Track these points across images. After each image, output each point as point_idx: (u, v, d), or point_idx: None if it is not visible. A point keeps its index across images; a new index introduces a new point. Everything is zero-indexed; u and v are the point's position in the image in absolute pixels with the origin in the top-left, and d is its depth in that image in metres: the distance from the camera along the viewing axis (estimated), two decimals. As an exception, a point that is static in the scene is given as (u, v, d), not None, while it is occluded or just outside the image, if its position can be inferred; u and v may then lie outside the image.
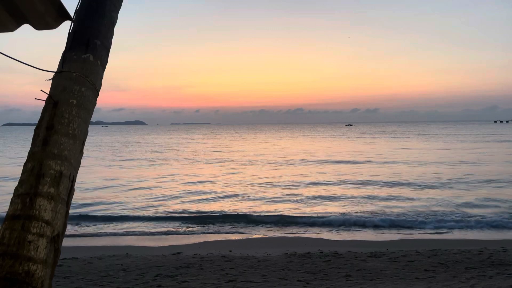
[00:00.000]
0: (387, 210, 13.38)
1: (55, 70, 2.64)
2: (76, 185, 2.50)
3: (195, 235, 10.96)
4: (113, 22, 2.89)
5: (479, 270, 6.55)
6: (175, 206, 14.60)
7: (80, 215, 12.78)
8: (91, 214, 13.23)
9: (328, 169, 24.64)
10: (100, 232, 11.32)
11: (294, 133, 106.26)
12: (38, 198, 2.25)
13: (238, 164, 28.51)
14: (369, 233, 10.96)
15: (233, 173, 23.44)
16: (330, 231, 11.18)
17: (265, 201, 15.31)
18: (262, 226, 11.70)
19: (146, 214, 13.22)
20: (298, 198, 15.67)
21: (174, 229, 11.54)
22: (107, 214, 13.23)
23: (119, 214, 13.23)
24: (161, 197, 16.52)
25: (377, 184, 18.69)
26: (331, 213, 13.01)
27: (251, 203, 14.99)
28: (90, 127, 2.72)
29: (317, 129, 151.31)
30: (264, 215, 12.62)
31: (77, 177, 2.53)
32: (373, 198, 15.36)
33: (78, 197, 13.72)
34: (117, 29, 2.96)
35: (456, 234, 10.71)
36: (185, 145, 52.83)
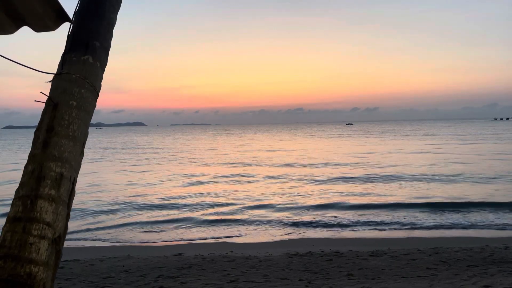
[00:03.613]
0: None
1: (55, 72, 2.64)
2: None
3: (196, 235, 10.95)
4: (112, 23, 2.89)
5: (481, 268, 6.55)
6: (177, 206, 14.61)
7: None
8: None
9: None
10: (101, 234, 11.34)
11: (308, 133, 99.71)
12: (39, 200, 2.25)
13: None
14: (370, 231, 10.96)
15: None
16: (330, 230, 11.19)
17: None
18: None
19: (147, 215, 13.25)
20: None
21: (175, 230, 11.54)
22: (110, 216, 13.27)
23: (121, 216, 13.26)
24: (163, 198, 16.53)
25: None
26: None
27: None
28: None
29: (322, 128, 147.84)
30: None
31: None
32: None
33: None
34: (116, 30, 2.96)
35: (458, 232, 10.69)
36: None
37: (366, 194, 16.15)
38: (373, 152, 35.97)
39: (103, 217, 12.86)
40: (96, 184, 19.71)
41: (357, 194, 16.09)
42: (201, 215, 13.20)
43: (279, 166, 27.45)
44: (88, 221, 12.26)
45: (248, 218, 12.53)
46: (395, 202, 14.26)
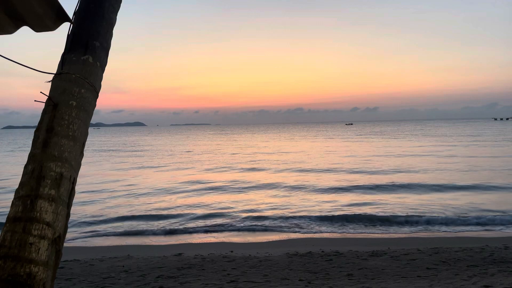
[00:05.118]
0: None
1: (55, 72, 2.64)
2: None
3: (196, 236, 10.95)
4: (112, 23, 2.89)
5: (481, 268, 6.55)
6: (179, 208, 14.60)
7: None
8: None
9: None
10: (102, 234, 11.32)
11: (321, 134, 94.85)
12: (39, 200, 2.25)
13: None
14: (371, 231, 10.95)
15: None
16: (331, 230, 11.18)
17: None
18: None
19: (147, 215, 13.24)
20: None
21: (175, 230, 11.53)
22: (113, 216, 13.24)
23: (121, 216, 13.25)
24: (164, 198, 16.52)
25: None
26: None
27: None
28: None
29: (322, 128, 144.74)
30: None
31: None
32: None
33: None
34: (116, 31, 2.96)
35: (458, 232, 10.69)
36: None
37: (370, 203, 14.74)
38: (379, 155, 34.22)
39: (101, 225, 12.30)
40: (94, 190, 18.83)
41: (360, 203, 14.80)
42: (202, 220, 12.75)
43: (280, 170, 25.99)
44: (85, 230, 11.78)
45: (248, 221, 12.40)
46: (398, 214, 12.83)
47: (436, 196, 15.50)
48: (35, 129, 2.51)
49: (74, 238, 10.71)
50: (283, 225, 11.76)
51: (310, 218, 12.37)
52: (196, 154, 41.39)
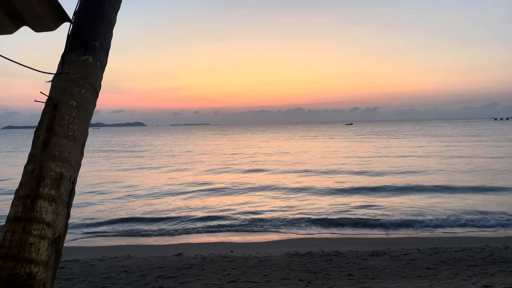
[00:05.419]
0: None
1: (55, 72, 2.64)
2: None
3: (196, 236, 10.96)
4: (112, 23, 2.90)
5: (481, 268, 6.55)
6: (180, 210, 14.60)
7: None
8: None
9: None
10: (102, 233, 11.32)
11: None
12: (39, 200, 2.25)
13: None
14: (371, 232, 10.96)
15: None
16: (331, 230, 11.19)
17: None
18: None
19: (147, 215, 13.24)
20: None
21: (175, 230, 11.53)
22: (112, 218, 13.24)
23: (121, 216, 13.25)
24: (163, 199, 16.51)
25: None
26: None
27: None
28: None
29: (322, 128, 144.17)
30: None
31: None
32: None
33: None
34: (116, 31, 2.96)
35: (458, 232, 10.69)
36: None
37: (370, 203, 14.46)
38: (379, 155, 33.67)
39: (102, 226, 12.20)
40: (94, 191, 18.59)
41: (360, 203, 14.54)
42: (202, 221, 12.64)
43: (280, 171, 25.43)
44: (85, 230, 11.73)
45: (248, 222, 12.34)
46: (399, 214, 12.60)
47: (436, 197, 15.49)
48: (35, 129, 2.51)
49: (74, 238, 10.72)
50: (283, 225, 11.78)
51: (310, 218, 12.37)
52: (196, 155, 41.38)
